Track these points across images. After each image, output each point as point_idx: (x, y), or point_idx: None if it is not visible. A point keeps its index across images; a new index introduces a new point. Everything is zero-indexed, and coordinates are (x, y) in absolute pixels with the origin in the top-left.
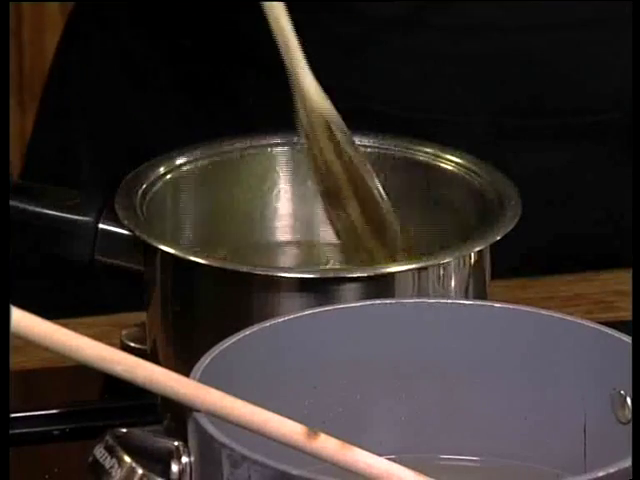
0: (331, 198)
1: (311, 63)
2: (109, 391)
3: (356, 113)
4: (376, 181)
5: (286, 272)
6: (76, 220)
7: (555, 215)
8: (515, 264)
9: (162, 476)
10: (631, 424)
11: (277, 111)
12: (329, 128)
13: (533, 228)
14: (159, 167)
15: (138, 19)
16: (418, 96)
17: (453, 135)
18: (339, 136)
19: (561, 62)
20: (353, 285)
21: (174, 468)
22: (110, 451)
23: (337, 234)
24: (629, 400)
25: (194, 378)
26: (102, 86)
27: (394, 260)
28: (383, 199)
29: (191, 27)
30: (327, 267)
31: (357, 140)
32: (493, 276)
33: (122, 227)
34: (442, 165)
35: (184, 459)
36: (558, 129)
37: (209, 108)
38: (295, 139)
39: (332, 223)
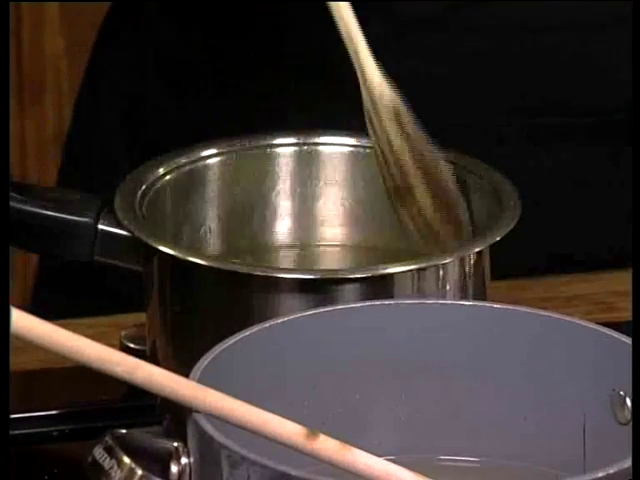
0: (401, 195)
1: (343, 61)
2: (108, 392)
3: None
4: (446, 170)
5: (286, 273)
6: (75, 221)
7: (555, 216)
8: (514, 265)
9: (161, 477)
10: (630, 425)
11: (310, 110)
12: (398, 118)
13: (533, 229)
14: (158, 168)
15: (172, 16)
16: (448, 95)
17: (482, 133)
18: (408, 127)
19: (590, 61)
20: (353, 286)
21: (173, 469)
22: (109, 452)
23: (408, 229)
24: (628, 401)
25: (193, 379)
26: (136, 81)
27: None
28: (452, 189)
29: (226, 26)
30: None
31: (356, 142)
32: (493, 277)
33: (121, 228)
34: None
35: (183, 460)
36: (577, 128)
37: (241, 106)
38: (296, 140)
39: (402, 220)
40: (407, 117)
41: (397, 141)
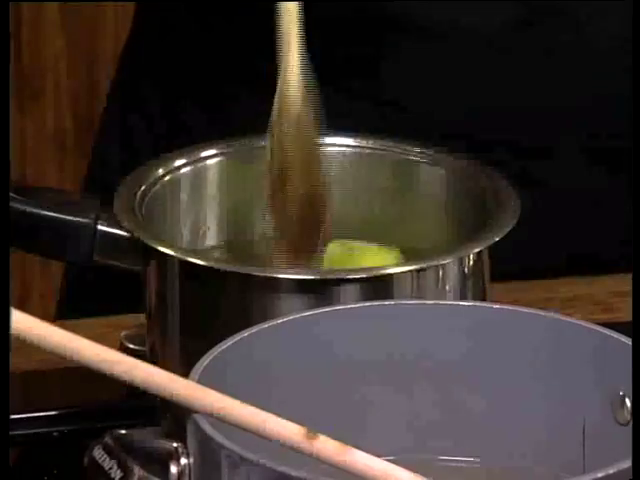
0: (277, 185)
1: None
2: (108, 392)
3: (456, 138)
4: (325, 178)
5: (285, 273)
6: (75, 221)
7: (554, 217)
8: (514, 265)
9: (161, 477)
10: (630, 425)
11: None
12: (298, 121)
13: (532, 229)
14: (158, 168)
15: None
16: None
17: (544, 160)
18: (305, 131)
19: None
20: (352, 286)
21: (173, 469)
22: (109, 452)
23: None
24: (628, 401)
25: (193, 379)
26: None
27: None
28: (327, 197)
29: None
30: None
31: (356, 142)
32: (492, 277)
33: (121, 228)
34: (441, 167)
35: (183, 460)
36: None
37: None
38: None
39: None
40: (309, 127)
41: (289, 143)
